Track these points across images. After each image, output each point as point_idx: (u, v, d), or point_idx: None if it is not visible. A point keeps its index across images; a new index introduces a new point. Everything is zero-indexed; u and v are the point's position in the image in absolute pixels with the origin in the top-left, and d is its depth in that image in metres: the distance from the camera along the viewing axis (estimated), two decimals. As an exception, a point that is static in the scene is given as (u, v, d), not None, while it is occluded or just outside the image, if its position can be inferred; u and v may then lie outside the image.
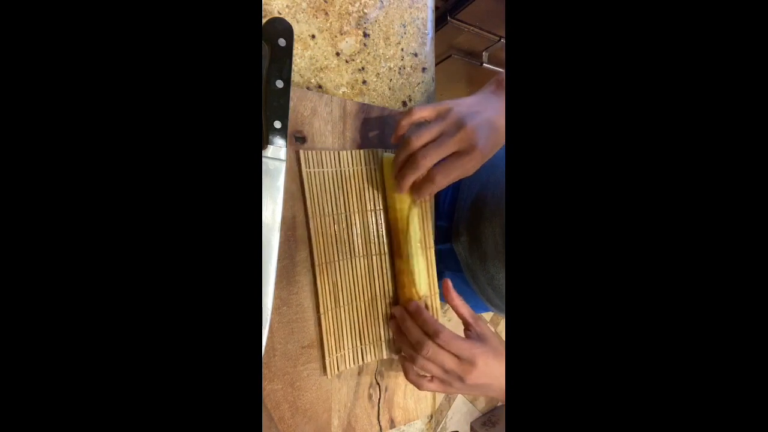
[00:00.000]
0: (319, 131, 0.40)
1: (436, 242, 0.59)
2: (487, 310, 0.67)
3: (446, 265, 0.60)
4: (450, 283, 0.42)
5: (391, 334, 0.43)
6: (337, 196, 0.40)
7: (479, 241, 0.52)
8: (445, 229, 0.59)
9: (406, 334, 0.39)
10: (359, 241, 0.41)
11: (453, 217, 0.58)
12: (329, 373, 0.39)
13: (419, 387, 0.39)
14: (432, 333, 0.37)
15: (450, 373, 0.37)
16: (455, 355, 0.37)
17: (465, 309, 0.41)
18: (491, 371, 0.37)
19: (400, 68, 0.47)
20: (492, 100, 0.38)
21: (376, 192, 0.42)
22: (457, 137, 0.35)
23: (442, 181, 0.37)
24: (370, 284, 0.42)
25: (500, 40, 0.93)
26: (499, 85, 0.39)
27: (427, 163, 0.36)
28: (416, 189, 0.39)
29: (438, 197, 0.61)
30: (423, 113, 0.37)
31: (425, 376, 0.39)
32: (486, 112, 0.36)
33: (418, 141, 0.36)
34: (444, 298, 0.43)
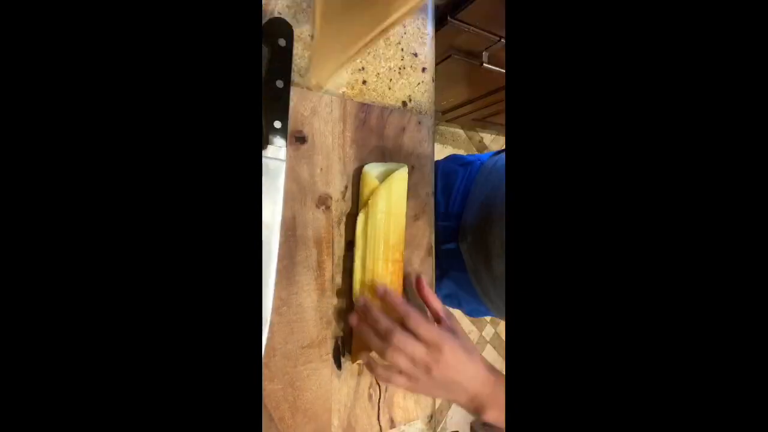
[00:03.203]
0: (319, 131, 0.40)
1: (442, 242, 0.59)
2: (487, 314, 0.67)
3: (450, 264, 0.60)
4: (424, 279, 0.42)
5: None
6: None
7: (485, 242, 0.52)
8: (452, 230, 0.59)
9: (373, 324, 0.37)
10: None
11: (461, 218, 0.58)
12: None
13: (388, 381, 0.37)
14: (403, 314, 0.36)
15: (418, 364, 0.35)
16: (424, 342, 0.36)
17: (438, 303, 0.40)
18: (459, 366, 0.36)
19: (400, 68, 0.47)
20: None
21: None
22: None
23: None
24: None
25: (500, 40, 0.93)
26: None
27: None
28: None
29: (447, 197, 0.62)
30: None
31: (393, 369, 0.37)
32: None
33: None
34: (418, 292, 0.42)
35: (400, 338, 0.35)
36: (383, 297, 0.39)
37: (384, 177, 0.41)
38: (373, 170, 0.42)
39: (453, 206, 0.61)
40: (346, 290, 0.41)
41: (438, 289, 0.65)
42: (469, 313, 0.69)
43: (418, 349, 0.35)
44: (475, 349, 0.38)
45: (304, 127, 0.39)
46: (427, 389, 0.37)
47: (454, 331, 0.39)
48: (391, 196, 0.41)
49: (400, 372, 0.36)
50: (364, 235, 0.40)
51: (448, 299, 0.67)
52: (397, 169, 0.41)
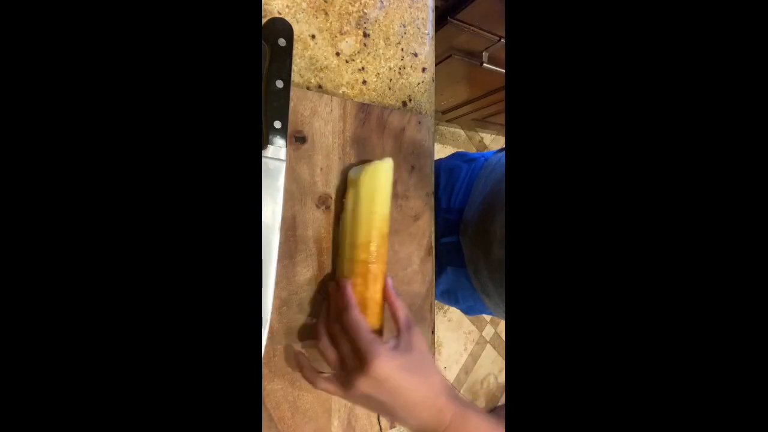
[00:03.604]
0: (319, 131, 0.40)
1: (443, 235, 0.60)
2: (484, 312, 0.67)
3: (449, 259, 0.60)
4: (391, 282, 0.37)
5: None
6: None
7: (487, 232, 0.52)
8: (453, 223, 0.59)
9: (325, 310, 0.35)
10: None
11: (462, 212, 0.58)
12: None
13: (313, 383, 0.33)
14: (343, 306, 0.32)
15: (343, 367, 0.31)
16: (355, 345, 0.31)
17: (402, 312, 0.35)
18: (392, 386, 0.29)
19: (400, 68, 0.47)
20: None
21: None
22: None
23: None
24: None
25: (500, 40, 0.93)
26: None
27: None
28: None
29: (450, 192, 0.62)
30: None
31: (322, 373, 0.33)
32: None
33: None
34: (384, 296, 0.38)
35: (335, 329, 0.32)
36: (336, 291, 0.35)
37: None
38: (353, 170, 0.40)
39: (455, 201, 0.61)
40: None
41: (436, 285, 0.65)
42: (466, 311, 0.69)
43: (344, 346, 0.32)
44: (432, 371, 0.32)
45: (304, 127, 0.39)
46: (362, 403, 0.32)
47: (407, 346, 0.32)
48: (359, 194, 0.38)
49: (328, 378, 0.33)
50: (335, 236, 0.40)
51: (446, 296, 0.67)
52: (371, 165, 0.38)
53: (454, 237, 0.59)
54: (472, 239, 0.56)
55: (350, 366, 0.31)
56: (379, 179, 0.38)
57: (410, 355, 0.31)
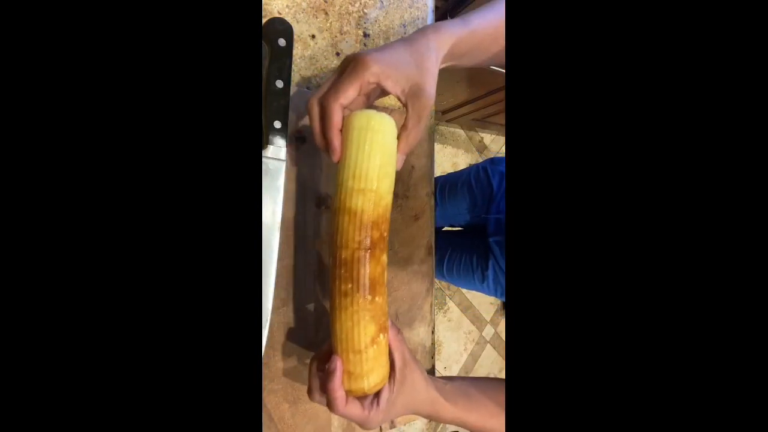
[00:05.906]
0: (319, 131, 0.39)
1: (494, 234, 0.66)
2: None
3: (502, 254, 0.65)
4: (395, 329, 0.36)
5: None
6: None
7: None
8: (503, 222, 0.65)
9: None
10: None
11: None
12: None
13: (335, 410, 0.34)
14: (328, 403, 0.33)
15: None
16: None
17: (398, 353, 0.35)
18: (403, 410, 0.35)
19: (400, 68, 0.47)
20: (400, 45, 0.32)
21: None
22: (347, 67, 0.30)
23: (332, 102, 0.29)
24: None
25: (500, 40, 0.93)
26: (422, 33, 0.33)
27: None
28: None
29: (503, 195, 0.67)
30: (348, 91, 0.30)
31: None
32: (386, 51, 0.31)
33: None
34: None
35: (338, 411, 0.33)
36: (325, 388, 0.32)
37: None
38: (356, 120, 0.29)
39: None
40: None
41: (492, 281, 0.70)
42: None
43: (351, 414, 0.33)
44: (419, 389, 0.36)
45: (304, 127, 0.39)
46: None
47: (400, 385, 0.34)
48: (353, 141, 0.29)
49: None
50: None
51: (500, 289, 0.71)
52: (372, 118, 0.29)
53: (502, 237, 0.65)
54: None
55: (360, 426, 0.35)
56: (380, 126, 0.29)
57: (398, 400, 0.34)
